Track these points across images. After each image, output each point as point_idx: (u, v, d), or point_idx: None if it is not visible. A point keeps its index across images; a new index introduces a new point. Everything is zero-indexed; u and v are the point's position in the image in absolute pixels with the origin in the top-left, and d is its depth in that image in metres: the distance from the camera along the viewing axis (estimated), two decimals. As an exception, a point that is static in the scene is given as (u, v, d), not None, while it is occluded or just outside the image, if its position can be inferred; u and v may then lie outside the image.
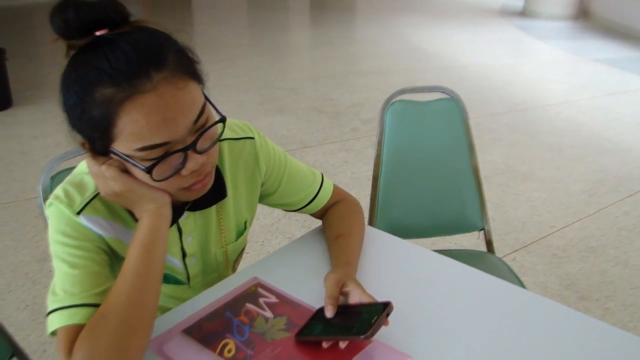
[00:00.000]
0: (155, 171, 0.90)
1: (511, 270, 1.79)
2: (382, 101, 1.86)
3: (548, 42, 7.57)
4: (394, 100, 1.83)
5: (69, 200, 0.99)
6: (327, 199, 1.34)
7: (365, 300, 1.01)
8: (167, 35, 0.92)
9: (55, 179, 1.41)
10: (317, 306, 1.06)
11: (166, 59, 0.87)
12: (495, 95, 5.32)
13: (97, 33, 0.87)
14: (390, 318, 0.96)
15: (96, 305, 0.94)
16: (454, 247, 2.70)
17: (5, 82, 4.97)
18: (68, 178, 1.05)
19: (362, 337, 0.91)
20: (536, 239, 2.98)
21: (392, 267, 1.26)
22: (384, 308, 0.95)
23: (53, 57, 6.81)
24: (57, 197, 1.00)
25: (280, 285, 1.15)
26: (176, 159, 0.91)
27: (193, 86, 0.90)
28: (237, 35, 7.84)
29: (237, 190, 1.20)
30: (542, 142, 4.24)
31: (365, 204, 1.85)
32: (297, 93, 5.33)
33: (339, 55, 6.82)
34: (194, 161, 0.92)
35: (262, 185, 1.25)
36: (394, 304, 0.97)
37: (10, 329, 1.63)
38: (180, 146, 0.90)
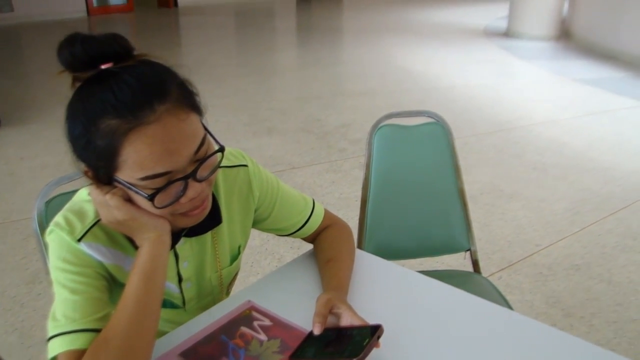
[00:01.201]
0: (157, 199, 0.93)
1: (497, 290, 1.82)
2: (369, 122, 1.91)
3: (531, 62, 7.69)
4: (381, 124, 1.88)
5: (69, 228, 1.02)
6: (319, 224, 1.37)
7: (356, 322, 1.05)
8: (168, 68, 0.96)
9: (50, 204, 1.43)
10: (310, 329, 1.09)
11: (169, 91, 0.91)
12: (481, 115, 5.39)
13: (103, 66, 0.91)
14: (379, 340, 0.99)
15: (97, 331, 0.96)
16: (441, 268, 2.73)
17: (-7, 103, 4.98)
18: (68, 205, 1.07)
19: (354, 359, 0.94)
20: (522, 257, 3.03)
21: (380, 289, 1.29)
22: (375, 330, 0.98)
23: (41, 77, 6.83)
24: (57, 225, 1.03)
25: (273, 308, 1.18)
26: (177, 187, 0.95)
27: (194, 118, 0.95)
28: (224, 56, 7.88)
29: (231, 216, 1.23)
30: (527, 162, 4.31)
31: (353, 224, 1.88)
32: (285, 114, 5.38)
33: (326, 76, 6.89)
34: (194, 189, 0.96)
35: (256, 211, 1.28)
36: (382, 326, 1.00)
37: None
38: (180, 175, 0.94)
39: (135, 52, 0.95)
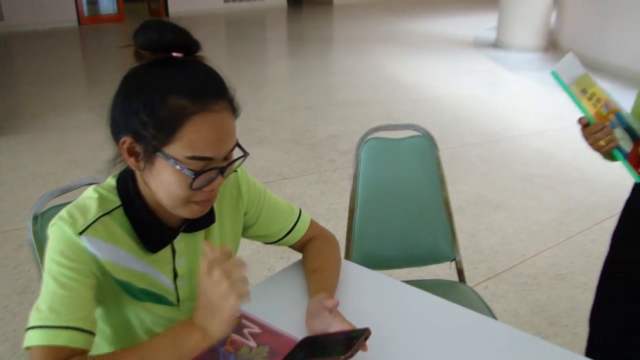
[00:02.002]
0: (197, 180, 1.02)
1: (481, 299, 1.87)
2: (358, 132, 1.96)
3: (519, 73, 7.79)
4: (368, 137, 1.93)
5: (72, 220, 1.06)
6: (305, 231, 1.43)
7: (346, 327, 1.10)
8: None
9: (45, 216, 1.45)
10: (299, 336, 1.14)
11: (227, 91, 1.05)
12: (469, 126, 5.47)
13: (174, 54, 1.02)
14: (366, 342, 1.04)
15: (78, 329, 1.00)
16: (427, 277, 2.78)
17: (-16, 113, 5.00)
18: (72, 203, 1.12)
19: (342, 357, 0.98)
20: (507, 267, 3.08)
21: (366, 299, 1.34)
22: (363, 333, 1.04)
23: (32, 87, 6.85)
24: (61, 218, 1.07)
25: (263, 316, 1.22)
26: (209, 174, 1.04)
27: (235, 122, 1.07)
28: (215, 66, 7.91)
29: (222, 220, 1.28)
30: (514, 172, 4.38)
31: (342, 234, 1.93)
32: (276, 124, 5.43)
33: (316, 86, 6.95)
34: (219, 181, 1.06)
35: (245, 215, 1.33)
36: (370, 329, 1.05)
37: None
38: (215, 165, 1.04)
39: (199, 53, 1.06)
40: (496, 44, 9.65)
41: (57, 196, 1.51)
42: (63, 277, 1.03)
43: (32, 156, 4.64)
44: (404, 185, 1.94)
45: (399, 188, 1.94)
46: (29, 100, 6.31)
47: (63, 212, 1.08)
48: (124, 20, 12.23)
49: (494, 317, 1.79)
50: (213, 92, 1.02)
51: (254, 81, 7.21)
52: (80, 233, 1.05)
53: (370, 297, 1.35)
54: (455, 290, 1.95)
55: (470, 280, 2.23)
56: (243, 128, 5.22)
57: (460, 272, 2.01)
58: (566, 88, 1.47)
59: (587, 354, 1.81)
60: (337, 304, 1.16)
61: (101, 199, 1.11)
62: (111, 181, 1.15)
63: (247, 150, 1.11)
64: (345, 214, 1.96)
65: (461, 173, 4.32)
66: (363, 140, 1.92)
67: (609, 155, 1.57)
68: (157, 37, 1.00)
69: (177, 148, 1.00)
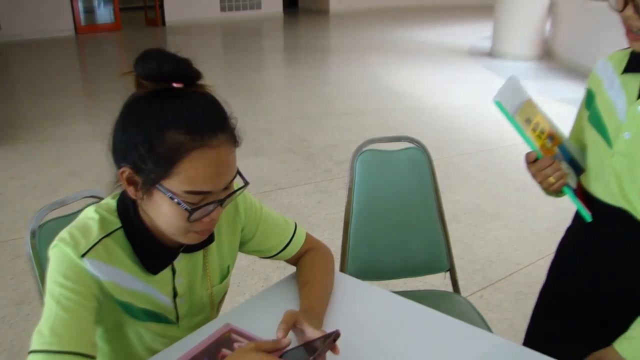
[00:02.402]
0: (194, 213, 1.03)
1: (475, 310, 1.89)
2: (354, 142, 1.98)
3: (514, 82, 7.82)
4: (363, 149, 1.95)
5: (74, 243, 1.07)
6: (300, 245, 1.44)
7: (317, 335, 1.13)
8: (223, 103, 1.08)
9: (44, 229, 1.46)
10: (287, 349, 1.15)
11: (228, 124, 1.05)
12: (465, 135, 5.49)
13: (175, 84, 1.02)
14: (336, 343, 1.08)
15: (81, 355, 1.01)
16: (423, 287, 2.80)
17: (-18, 124, 5.01)
18: (73, 223, 1.13)
19: (311, 358, 1.01)
20: (503, 276, 3.10)
21: (360, 311, 1.35)
22: (332, 335, 1.06)
23: (30, 96, 6.86)
24: (62, 240, 1.08)
25: (254, 330, 1.23)
26: (208, 207, 1.05)
27: (235, 152, 1.07)
28: (212, 76, 7.81)
29: (220, 237, 1.30)
30: (509, 181, 4.40)
31: (339, 244, 1.95)
32: (272, 134, 5.45)
33: (313, 96, 6.97)
34: (218, 212, 1.08)
35: (242, 231, 1.35)
36: (361, 347, 1.07)
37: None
38: (214, 198, 1.05)
39: (200, 81, 1.06)
40: (491, 53, 9.70)
41: (55, 209, 1.53)
42: (65, 300, 1.03)
43: (29, 166, 4.65)
44: (399, 196, 1.96)
45: (394, 199, 1.96)
46: (26, 110, 6.32)
47: (64, 234, 1.09)
48: (120, 30, 12.26)
49: (488, 328, 1.81)
50: (212, 126, 1.01)
51: (250, 91, 7.23)
52: (83, 255, 1.07)
53: (363, 309, 1.36)
54: (449, 301, 1.96)
55: (465, 290, 2.23)
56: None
57: (454, 283, 2.03)
58: (511, 119, 1.32)
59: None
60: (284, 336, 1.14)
61: (102, 220, 1.12)
62: (111, 202, 1.16)
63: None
64: (342, 224, 1.98)
65: (457, 182, 4.33)
66: (357, 152, 1.94)
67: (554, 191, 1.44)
68: (157, 67, 1.01)
69: (175, 182, 1.01)
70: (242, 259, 3.11)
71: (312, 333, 1.14)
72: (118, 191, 1.16)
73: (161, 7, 12.81)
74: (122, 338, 1.21)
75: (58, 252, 1.07)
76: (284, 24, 14.23)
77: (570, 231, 1.64)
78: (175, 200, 1.02)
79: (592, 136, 1.43)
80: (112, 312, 1.14)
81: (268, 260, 1.48)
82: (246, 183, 1.12)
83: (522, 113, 1.35)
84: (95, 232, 1.10)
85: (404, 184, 1.97)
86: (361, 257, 1.95)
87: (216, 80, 7.80)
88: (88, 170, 4.53)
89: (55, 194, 4.14)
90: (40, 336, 1.01)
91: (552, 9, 9.34)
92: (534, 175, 1.41)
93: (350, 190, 1.93)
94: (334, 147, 5.07)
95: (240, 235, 1.36)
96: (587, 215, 1.39)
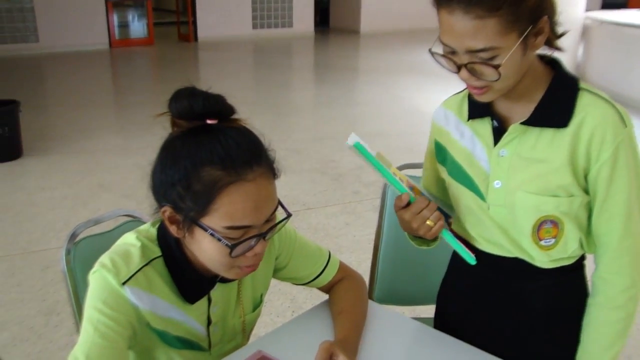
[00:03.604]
0: (235, 249, 1.02)
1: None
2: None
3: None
4: (396, 175, 1.93)
5: (115, 270, 1.08)
6: (333, 274, 1.44)
7: None
8: (259, 136, 1.08)
9: (79, 246, 1.48)
10: None
11: (263, 156, 1.05)
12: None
13: (209, 121, 1.02)
14: None
15: None
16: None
17: (18, 133, 5.12)
18: (113, 248, 1.14)
19: None
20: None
21: (386, 340, 1.35)
22: None
23: (62, 108, 6.98)
24: (104, 266, 1.09)
25: (285, 357, 1.22)
26: (250, 241, 1.04)
27: (274, 184, 1.07)
28: (243, 92, 7.98)
29: None
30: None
31: (366, 266, 1.94)
32: (300, 154, 5.46)
33: (341, 116, 6.98)
34: (261, 246, 1.06)
35: (276, 259, 1.35)
36: None
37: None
38: (256, 232, 1.04)
39: (234, 116, 1.07)
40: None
41: (90, 227, 1.54)
42: (103, 327, 1.04)
43: (60, 178, 4.73)
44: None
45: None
46: (58, 122, 6.42)
47: (106, 259, 1.10)
48: (153, 44, 12.45)
49: None
50: (247, 160, 1.01)
51: (280, 109, 7.26)
52: (124, 283, 1.07)
53: (390, 337, 1.35)
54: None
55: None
56: (268, 156, 5.26)
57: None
58: (373, 160, 1.21)
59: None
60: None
61: (143, 248, 1.13)
62: (152, 230, 1.17)
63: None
64: (369, 246, 1.97)
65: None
66: (391, 178, 1.93)
67: (422, 240, 1.34)
68: (188, 106, 1.01)
69: (215, 219, 1.01)
70: (268, 279, 3.10)
71: None
72: (158, 218, 1.16)
73: (194, 23, 12.98)
74: None
75: (99, 277, 1.08)
76: (314, 42, 14.32)
77: (446, 283, 1.57)
78: (216, 236, 1.01)
79: (459, 191, 1.32)
80: (146, 338, 1.14)
81: (294, 280, 1.47)
82: (289, 215, 1.11)
83: (380, 159, 1.24)
84: (136, 260, 1.11)
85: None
86: (390, 282, 1.94)
87: (246, 97, 7.87)
88: (118, 183, 4.59)
89: (85, 206, 4.19)
90: None
91: (584, 35, 9.27)
92: (408, 222, 1.24)
93: (381, 216, 1.92)
94: (362, 169, 5.06)
95: (275, 263, 1.36)
96: (471, 259, 1.29)
